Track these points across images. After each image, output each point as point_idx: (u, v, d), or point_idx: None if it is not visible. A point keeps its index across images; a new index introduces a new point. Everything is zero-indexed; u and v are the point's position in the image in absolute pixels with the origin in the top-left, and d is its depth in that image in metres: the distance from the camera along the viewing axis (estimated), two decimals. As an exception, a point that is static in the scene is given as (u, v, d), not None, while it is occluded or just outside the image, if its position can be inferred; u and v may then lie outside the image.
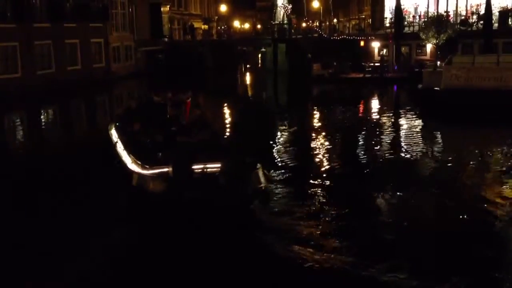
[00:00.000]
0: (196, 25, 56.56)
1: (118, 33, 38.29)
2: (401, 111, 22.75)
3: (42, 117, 24.78)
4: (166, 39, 46.15)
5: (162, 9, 46.92)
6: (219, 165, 9.24)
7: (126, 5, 39.69)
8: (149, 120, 11.59)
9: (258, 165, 9.56)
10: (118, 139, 11.54)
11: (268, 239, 8.86)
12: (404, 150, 15.65)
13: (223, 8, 74.11)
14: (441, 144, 17.10)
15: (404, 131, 18.76)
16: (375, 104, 26.96)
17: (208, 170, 9.21)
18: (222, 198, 9.01)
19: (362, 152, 15.58)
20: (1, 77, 27.43)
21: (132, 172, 10.05)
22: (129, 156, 10.39)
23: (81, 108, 28.10)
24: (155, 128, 11.21)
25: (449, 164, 13.98)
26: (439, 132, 18.23)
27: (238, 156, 9.50)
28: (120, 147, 11.11)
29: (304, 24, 57.47)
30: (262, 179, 9.61)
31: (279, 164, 13.74)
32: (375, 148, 16.02)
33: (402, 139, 17.42)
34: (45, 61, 30.68)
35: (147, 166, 9.80)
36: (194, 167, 9.32)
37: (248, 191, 9.23)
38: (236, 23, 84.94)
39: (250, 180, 9.25)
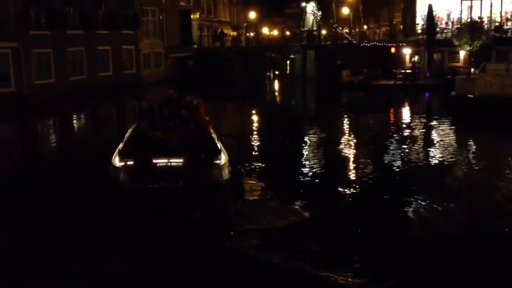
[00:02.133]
0: (225, 31, 56.87)
1: (148, 40, 38.73)
2: (433, 118, 22.39)
3: (74, 121, 25.22)
4: (195, 46, 46.48)
5: (192, 16, 47.27)
6: (181, 160, 10.15)
7: (157, 12, 40.12)
8: (160, 114, 12.31)
9: (219, 161, 10.42)
10: (126, 137, 11.96)
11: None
12: (436, 157, 15.40)
13: (252, 15, 74.40)
14: (475, 151, 16.72)
15: (436, 138, 18.45)
16: (406, 111, 26.63)
17: (172, 164, 10.11)
18: (181, 190, 9.88)
19: (393, 159, 15.34)
20: (36, 82, 27.98)
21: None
22: (118, 150, 10.89)
23: (111, 113, 28.48)
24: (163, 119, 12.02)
25: (483, 172, 13.68)
26: (472, 140, 17.83)
27: (195, 153, 10.28)
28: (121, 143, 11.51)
29: (333, 31, 57.20)
30: (223, 174, 10.44)
31: (307, 170, 13.67)
32: (406, 155, 15.78)
33: (434, 146, 17.13)
34: (77, 67, 31.20)
35: (124, 159, 10.34)
36: (157, 160, 10.12)
37: (203, 184, 10.06)
38: (265, 30, 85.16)
39: (207, 175, 10.14)
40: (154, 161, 10.12)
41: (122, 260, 8.71)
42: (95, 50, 32.38)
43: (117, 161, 10.35)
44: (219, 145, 11.57)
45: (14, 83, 27.05)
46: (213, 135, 12.24)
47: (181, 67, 41.42)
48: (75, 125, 24.83)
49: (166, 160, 10.16)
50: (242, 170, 12.46)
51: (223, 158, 10.76)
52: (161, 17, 40.67)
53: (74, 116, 26.03)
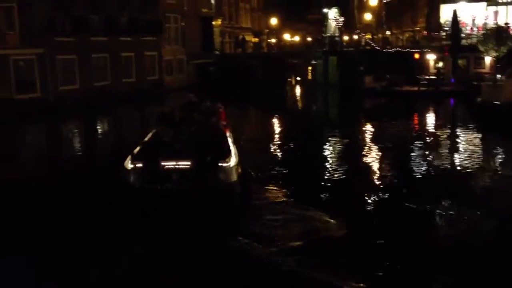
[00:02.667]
0: (247, 38, 57.04)
1: (171, 47, 39.00)
2: (458, 124, 22.09)
3: (97, 126, 25.48)
4: (217, 52, 46.68)
5: (213, 23, 47.54)
6: (188, 162, 10.32)
7: (179, 19, 40.41)
8: (181, 118, 12.60)
9: (225, 164, 10.55)
10: (143, 141, 12.23)
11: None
12: (462, 164, 15.12)
13: (273, 21, 74.47)
14: (501, 158, 16.40)
15: (462, 145, 18.14)
16: (431, 117, 26.30)
17: (179, 166, 10.34)
18: (187, 191, 10.08)
19: (418, 165, 15.14)
20: (61, 88, 28.38)
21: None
22: (131, 153, 11.10)
23: (134, 118, 28.64)
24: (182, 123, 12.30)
25: (510, 179, 13.42)
26: (498, 146, 17.49)
27: (201, 155, 10.47)
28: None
29: (356, 37, 56.99)
30: (230, 176, 10.57)
31: (328, 176, 13.60)
32: (431, 161, 15.56)
33: (459, 153, 16.86)
34: (101, 73, 31.56)
35: (134, 161, 10.58)
36: (165, 163, 10.35)
37: (208, 186, 10.27)
38: (286, 36, 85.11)
39: (212, 177, 10.32)
40: (163, 163, 10.37)
41: (127, 263, 8.77)
42: (118, 56, 32.73)
43: (128, 164, 10.66)
44: (232, 148, 11.72)
45: (40, 88, 27.50)
46: (228, 139, 12.43)
47: (203, 73, 41.61)
48: (98, 129, 25.05)
49: (174, 163, 10.41)
50: (252, 173, 12.37)
51: (232, 161, 10.90)
52: (183, 23, 40.94)
53: (98, 121, 26.31)
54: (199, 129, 11.92)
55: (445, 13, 39.62)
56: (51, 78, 27.97)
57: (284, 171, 14.38)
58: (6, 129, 22.66)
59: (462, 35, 35.08)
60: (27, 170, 16.22)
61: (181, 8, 40.54)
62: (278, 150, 18.03)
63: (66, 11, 28.76)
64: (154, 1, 36.22)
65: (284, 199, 11.76)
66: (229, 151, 11.37)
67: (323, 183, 13.12)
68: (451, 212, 10.75)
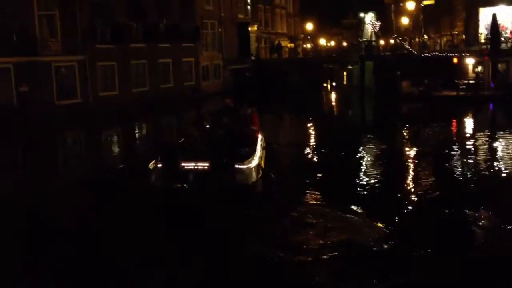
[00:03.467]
0: (282, 43, 57.18)
1: (208, 53, 39.46)
2: (498, 130, 21.63)
3: (135, 131, 26.01)
4: (253, 58, 46.95)
5: (249, 28, 47.86)
6: (207, 164, 10.79)
7: (216, 25, 40.87)
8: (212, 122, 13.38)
9: (242, 166, 10.93)
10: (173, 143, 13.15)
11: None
12: (503, 171, 14.85)
13: (309, 26, 74.45)
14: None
15: (502, 151, 17.81)
16: (469, 123, 25.84)
17: (198, 167, 10.83)
18: (204, 191, 10.55)
19: (457, 171, 14.94)
20: (101, 94, 29.05)
21: None
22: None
23: (171, 123, 29.10)
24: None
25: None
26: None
27: (218, 156, 10.95)
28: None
29: (392, 41, 56.47)
30: (247, 178, 10.96)
31: (364, 181, 13.57)
32: (471, 167, 15.31)
33: (500, 160, 16.51)
34: (140, 80, 32.16)
35: (156, 162, 11.24)
36: (185, 164, 10.89)
37: (225, 187, 10.62)
38: (322, 41, 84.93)
39: (228, 179, 10.70)
40: (182, 164, 10.88)
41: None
42: (156, 62, 33.29)
43: (150, 164, 11.34)
44: (257, 151, 12.16)
45: (80, 94, 28.20)
46: (258, 142, 12.97)
47: (239, 79, 41.90)
48: (136, 134, 25.56)
49: (193, 164, 10.88)
50: (273, 176, 12.72)
51: (251, 164, 11.27)
52: (220, 29, 41.38)
53: (136, 125, 26.84)
54: (226, 133, 12.39)
55: (484, 17, 38.91)
56: (91, 84, 28.68)
57: (321, 176, 14.39)
58: (50, 133, 23.39)
59: (502, 39, 34.39)
60: (71, 172, 16.73)
61: (218, 14, 41.02)
62: (314, 155, 18.06)
63: (107, 19, 29.49)
64: (192, 8, 36.75)
65: (322, 204, 11.76)
66: (251, 154, 11.69)
67: (360, 189, 13.09)
68: (489, 219, 10.59)
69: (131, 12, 31.14)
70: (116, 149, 21.95)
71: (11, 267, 8.95)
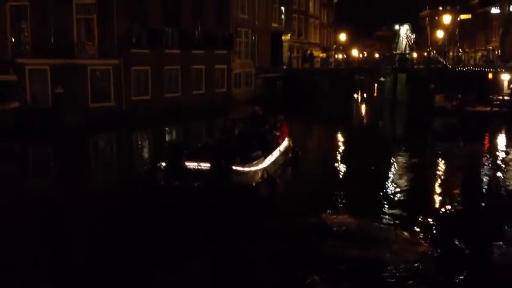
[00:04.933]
0: (314, 53, 57.15)
1: (240, 60, 39.65)
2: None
3: (166, 135, 26.28)
4: (285, 67, 47.02)
5: (283, 37, 47.99)
6: (208, 164, 11.69)
7: (250, 33, 41.09)
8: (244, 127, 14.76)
9: (241, 168, 11.84)
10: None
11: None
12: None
13: (342, 37, 74.25)
14: None
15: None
16: (502, 140, 25.36)
17: (201, 167, 11.79)
18: (204, 189, 11.40)
19: (487, 189, 14.74)
20: (134, 98, 29.43)
21: None
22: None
23: (201, 128, 29.25)
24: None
25: None
26: None
27: (217, 159, 11.75)
28: None
29: (426, 54, 55.88)
30: (246, 180, 11.87)
31: (395, 198, 13.45)
32: (501, 185, 15.08)
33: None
34: (173, 85, 32.44)
35: (161, 161, 12.38)
36: (189, 163, 11.86)
37: (223, 186, 11.43)
38: (354, 52, 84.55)
39: (226, 177, 11.53)
40: (186, 163, 11.83)
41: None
42: (189, 68, 33.58)
43: (159, 164, 12.39)
44: (272, 156, 13.19)
45: (114, 98, 28.62)
46: (277, 148, 14.17)
47: (270, 87, 41.99)
48: (166, 137, 25.80)
49: (196, 164, 11.81)
50: (277, 180, 13.12)
51: (251, 167, 12.12)
52: (253, 38, 41.58)
53: (167, 130, 27.10)
54: (243, 137, 13.57)
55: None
56: (125, 88, 29.05)
57: (344, 186, 14.36)
58: (82, 135, 23.86)
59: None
60: (98, 175, 17.03)
61: (253, 22, 41.23)
62: (339, 165, 17.94)
63: (143, 24, 29.89)
64: (227, 16, 37.00)
65: (350, 219, 11.64)
66: (258, 158, 12.55)
67: (386, 201, 13.00)
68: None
69: (167, 18, 31.50)
70: (144, 153, 22.22)
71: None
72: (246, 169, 12.03)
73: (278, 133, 15.19)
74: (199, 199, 11.12)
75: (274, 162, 13.74)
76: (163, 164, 12.15)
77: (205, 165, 11.71)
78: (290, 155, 16.69)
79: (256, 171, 12.28)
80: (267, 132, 14.87)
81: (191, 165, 11.88)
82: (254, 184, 12.07)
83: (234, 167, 11.69)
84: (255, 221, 11.15)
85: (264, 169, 12.72)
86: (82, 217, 11.72)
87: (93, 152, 22.87)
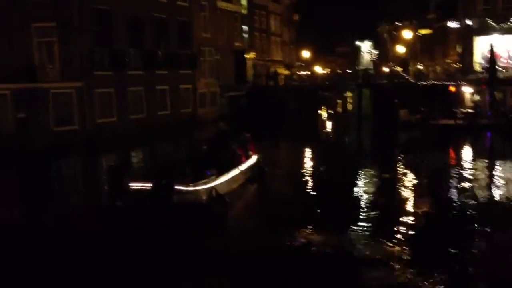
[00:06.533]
0: (278, 70, 57.49)
1: (205, 80, 39.54)
2: (496, 159, 21.62)
3: (132, 158, 25.70)
4: (249, 85, 47.09)
5: (246, 56, 48.15)
6: (150, 184, 11.97)
7: (213, 52, 41.05)
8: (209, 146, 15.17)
9: (184, 188, 12.09)
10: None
11: None
12: (501, 199, 14.90)
13: (305, 54, 75.09)
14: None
15: (500, 179, 17.67)
16: (467, 151, 25.82)
17: (144, 187, 12.06)
18: (146, 209, 11.67)
19: (455, 199, 14.96)
20: (98, 121, 28.88)
21: None
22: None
23: (167, 149, 28.85)
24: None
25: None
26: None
27: (160, 178, 12.02)
28: None
29: (388, 69, 56.90)
30: (190, 198, 12.06)
31: (364, 211, 13.48)
32: (468, 195, 15.31)
33: (498, 187, 16.48)
34: (137, 106, 32.01)
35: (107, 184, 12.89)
36: (131, 184, 12.20)
37: (164, 206, 11.62)
38: (318, 68, 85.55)
39: (167, 197, 11.70)
40: (130, 184, 12.16)
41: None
42: (154, 89, 33.26)
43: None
44: (224, 176, 13.46)
45: (78, 121, 28.02)
46: (238, 167, 14.71)
47: (235, 106, 41.96)
48: (132, 161, 25.26)
49: (140, 184, 12.14)
50: (227, 199, 13.14)
51: (196, 186, 12.32)
52: (217, 57, 41.57)
53: (133, 152, 26.54)
54: (202, 157, 14.14)
55: (479, 46, 39.29)
56: (89, 111, 28.52)
57: (316, 207, 14.26)
58: (45, 161, 23.17)
59: (497, 67, 34.68)
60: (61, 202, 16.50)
61: (216, 42, 41.24)
62: (309, 182, 17.84)
63: (105, 46, 29.49)
64: (190, 36, 36.93)
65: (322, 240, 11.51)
66: (209, 177, 12.82)
67: (352, 216, 12.93)
68: (487, 243, 10.72)
69: (130, 39, 31.21)
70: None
71: None
72: (190, 188, 12.24)
73: (240, 152, 15.62)
74: (140, 218, 11.38)
75: (230, 181, 14.10)
76: (106, 186, 12.69)
77: (147, 185, 11.97)
78: (256, 172, 16.76)
79: (202, 190, 12.45)
80: (229, 152, 15.21)
81: (134, 185, 12.17)
82: (203, 202, 12.29)
83: (177, 187, 11.91)
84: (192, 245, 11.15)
85: (213, 188, 12.85)
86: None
87: (56, 177, 22.19)
